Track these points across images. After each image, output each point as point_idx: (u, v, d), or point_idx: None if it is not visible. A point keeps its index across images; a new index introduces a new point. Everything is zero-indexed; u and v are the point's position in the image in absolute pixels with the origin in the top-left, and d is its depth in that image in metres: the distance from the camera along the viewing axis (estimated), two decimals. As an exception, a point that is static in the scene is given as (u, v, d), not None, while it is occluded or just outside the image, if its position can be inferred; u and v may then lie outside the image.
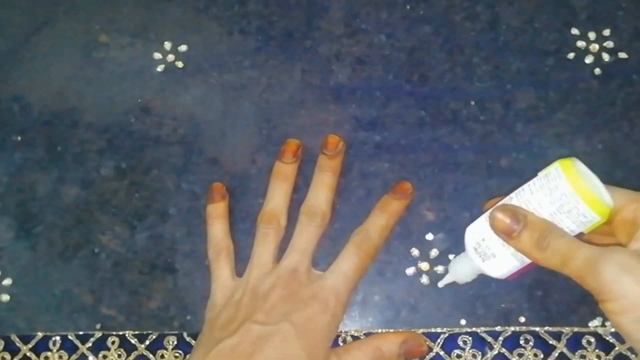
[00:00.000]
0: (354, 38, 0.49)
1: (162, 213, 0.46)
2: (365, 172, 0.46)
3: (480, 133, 0.46)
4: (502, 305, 0.43)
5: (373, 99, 0.48)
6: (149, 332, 0.43)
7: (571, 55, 0.47)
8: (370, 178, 0.46)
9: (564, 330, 0.42)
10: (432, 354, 0.42)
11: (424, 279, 0.44)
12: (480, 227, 0.36)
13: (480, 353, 0.42)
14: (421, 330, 0.43)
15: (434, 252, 0.44)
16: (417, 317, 0.43)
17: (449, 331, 0.43)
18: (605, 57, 0.47)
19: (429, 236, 0.45)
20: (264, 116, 0.48)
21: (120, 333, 0.43)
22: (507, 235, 0.33)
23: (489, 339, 0.42)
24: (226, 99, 0.48)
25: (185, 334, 0.43)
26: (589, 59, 0.47)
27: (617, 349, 0.42)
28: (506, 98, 0.47)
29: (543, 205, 0.34)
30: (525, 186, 0.35)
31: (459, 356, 0.42)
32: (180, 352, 0.43)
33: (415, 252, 0.44)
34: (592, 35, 0.48)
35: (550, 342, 0.42)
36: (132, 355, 0.43)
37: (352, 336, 0.43)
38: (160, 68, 0.49)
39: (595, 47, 0.48)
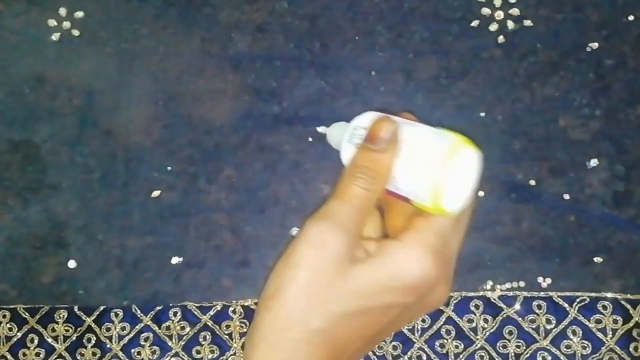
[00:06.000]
0: (254, 5, 0.47)
1: (56, 187, 0.45)
2: (263, 144, 0.45)
3: (380, 104, 0.46)
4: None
5: (273, 69, 0.46)
6: (40, 305, 0.43)
7: (475, 23, 0.46)
8: (267, 150, 0.45)
9: (452, 295, 0.43)
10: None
11: (318, 252, 0.44)
12: (371, 118, 0.32)
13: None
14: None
15: (329, 225, 0.44)
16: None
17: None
18: (510, 24, 0.46)
19: (325, 209, 0.44)
20: (161, 86, 0.46)
21: (12, 307, 0.43)
22: (369, 141, 0.30)
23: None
24: (122, 68, 0.47)
25: (76, 308, 0.43)
26: (493, 27, 0.46)
27: (504, 312, 0.42)
28: (408, 68, 0.46)
29: (413, 153, 0.30)
30: (424, 127, 0.31)
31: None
32: (70, 325, 0.43)
33: (310, 224, 0.44)
34: (497, 2, 0.46)
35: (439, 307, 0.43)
36: (23, 329, 0.43)
37: (243, 306, 0.43)
38: (55, 36, 0.47)
39: (500, 14, 0.46)
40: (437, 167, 0.29)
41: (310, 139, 0.45)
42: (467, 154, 0.30)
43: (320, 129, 0.35)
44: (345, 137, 0.33)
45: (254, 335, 0.29)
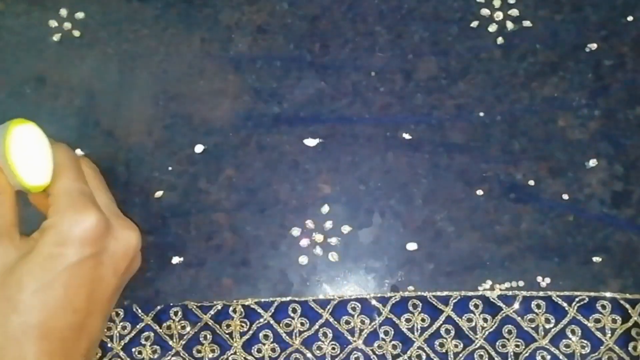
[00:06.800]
0: (255, 5, 0.48)
1: (57, 186, 0.45)
2: (263, 144, 0.46)
3: (380, 104, 0.46)
4: (388, 280, 0.43)
5: (273, 69, 0.47)
6: (41, 305, 0.43)
7: (475, 24, 0.46)
8: (268, 150, 0.45)
9: (452, 295, 0.43)
10: (321, 320, 0.43)
11: (318, 251, 0.44)
12: None
13: (368, 319, 0.43)
14: (312, 298, 0.43)
15: (329, 224, 0.44)
16: (309, 288, 0.44)
17: (339, 298, 0.43)
18: (510, 25, 0.46)
19: (325, 209, 0.44)
20: (162, 87, 0.47)
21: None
22: None
23: (378, 305, 0.43)
24: (123, 69, 0.47)
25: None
26: (492, 28, 0.46)
27: (503, 311, 0.42)
28: (407, 68, 0.46)
29: None
30: None
31: (347, 322, 0.43)
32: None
33: (310, 224, 0.44)
34: (497, 3, 0.47)
35: (439, 307, 0.43)
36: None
37: (243, 305, 0.43)
38: (56, 37, 0.48)
39: (499, 15, 0.46)
40: (6, 155, 0.33)
41: (311, 139, 0.45)
42: (20, 130, 0.34)
43: None
44: None
45: None
